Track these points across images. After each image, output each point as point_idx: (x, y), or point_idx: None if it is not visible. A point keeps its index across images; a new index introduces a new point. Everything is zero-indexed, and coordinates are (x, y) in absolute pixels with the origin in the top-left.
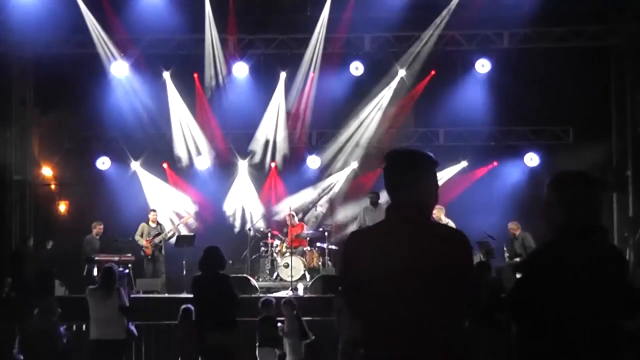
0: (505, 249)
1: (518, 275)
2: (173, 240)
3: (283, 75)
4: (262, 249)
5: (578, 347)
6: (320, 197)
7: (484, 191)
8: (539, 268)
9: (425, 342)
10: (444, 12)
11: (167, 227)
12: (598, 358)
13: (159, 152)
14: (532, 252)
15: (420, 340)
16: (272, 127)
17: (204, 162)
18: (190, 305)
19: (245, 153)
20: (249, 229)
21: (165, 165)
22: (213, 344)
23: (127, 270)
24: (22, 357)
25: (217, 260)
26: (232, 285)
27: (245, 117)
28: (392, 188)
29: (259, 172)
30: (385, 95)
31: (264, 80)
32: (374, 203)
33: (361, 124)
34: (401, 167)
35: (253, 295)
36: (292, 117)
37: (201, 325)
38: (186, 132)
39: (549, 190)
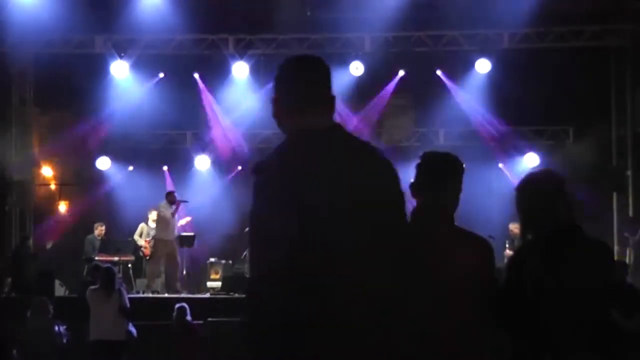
0: (506, 249)
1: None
2: None
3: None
4: None
5: (562, 348)
6: None
7: (483, 191)
8: (509, 275)
9: (444, 344)
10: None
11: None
12: (585, 358)
13: (159, 152)
14: (506, 262)
15: (439, 342)
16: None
17: (204, 162)
18: (184, 304)
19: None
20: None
21: (164, 166)
22: None
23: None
24: (21, 357)
25: None
26: None
27: (244, 118)
28: (422, 190)
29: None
30: (385, 95)
31: (264, 81)
32: (171, 202)
33: (361, 123)
34: (436, 170)
35: None
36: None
37: None
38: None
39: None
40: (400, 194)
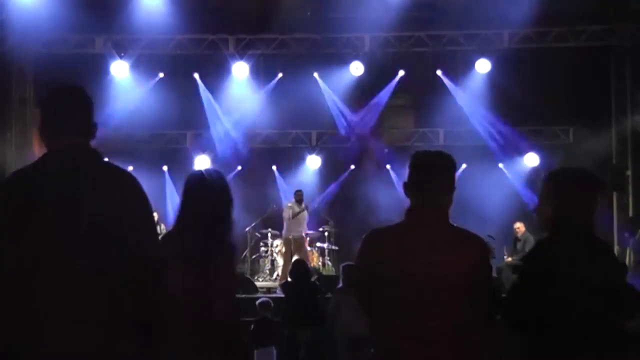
0: (505, 249)
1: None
2: None
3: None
4: (262, 249)
5: (578, 348)
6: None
7: (483, 191)
8: (534, 270)
9: (440, 344)
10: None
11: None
12: (598, 358)
13: (159, 152)
14: (527, 255)
15: (435, 341)
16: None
17: (204, 162)
18: None
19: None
20: (248, 230)
21: (164, 166)
22: (304, 339)
23: None
24: None
25: (307, 270)
26: (320, 291)
27: (244, 118)
28: (415, 189)
29: (261, 172)
30: (384, 95)
31: (264, 81)
32: (299, 201)
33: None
34: (427, 169)
35: (255, 296)
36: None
37: (293, 323)
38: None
39: (543, 186)
40: (144, 209)
